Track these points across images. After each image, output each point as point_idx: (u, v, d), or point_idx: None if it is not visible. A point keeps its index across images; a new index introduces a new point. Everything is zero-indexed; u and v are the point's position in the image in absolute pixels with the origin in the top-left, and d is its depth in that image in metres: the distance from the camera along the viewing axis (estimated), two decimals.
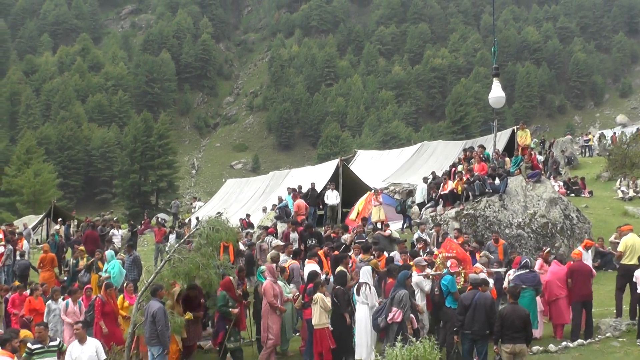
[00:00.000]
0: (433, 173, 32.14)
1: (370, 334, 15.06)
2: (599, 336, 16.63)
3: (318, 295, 15.12)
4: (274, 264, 17.16)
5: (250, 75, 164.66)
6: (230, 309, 15.73)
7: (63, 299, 17.95)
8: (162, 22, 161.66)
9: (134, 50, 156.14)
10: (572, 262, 17.64)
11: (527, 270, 16.56)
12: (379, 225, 25.59)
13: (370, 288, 15.40)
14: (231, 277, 16.46)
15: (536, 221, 23.85)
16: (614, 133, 58.92)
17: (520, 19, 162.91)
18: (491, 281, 16.41)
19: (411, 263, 17.16)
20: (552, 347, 15.80)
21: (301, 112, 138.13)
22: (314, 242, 22.80)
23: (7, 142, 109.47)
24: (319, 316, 15.07)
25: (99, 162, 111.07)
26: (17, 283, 21.44)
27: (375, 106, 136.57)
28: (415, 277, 15.99)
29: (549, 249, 20.28)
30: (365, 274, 15.63)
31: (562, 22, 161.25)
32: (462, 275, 16.13)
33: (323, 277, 17.49)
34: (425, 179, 30.68)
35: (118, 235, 31.18)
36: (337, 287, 15.79)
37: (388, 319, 14.36)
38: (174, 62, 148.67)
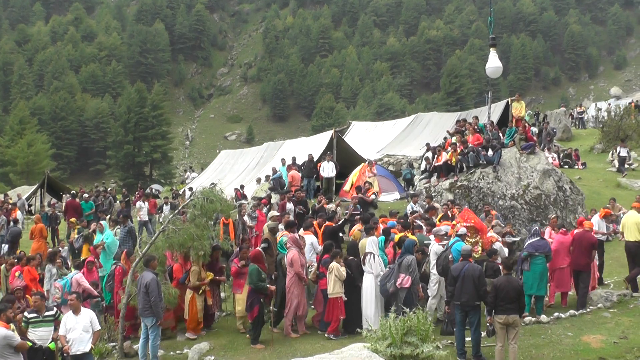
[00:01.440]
0: (427, 144, 32.13)
1: (376, 302, 15.21)
2: (591, 307, 16.75)
3: (334, 265, 15.23)
4: (297, 234, 16.95)
5: (245, 46, 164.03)
6: (267, 285, 15.45)
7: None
8: None
9: (128, 20, 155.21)
10: (577, 231, 17.88)
11: (539, 238, 16.74)
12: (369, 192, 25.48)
13: (374, 258, 15.56)
14: (260, 249, 16.40)
15: (530, 193, 23.92)
16: None
17: None
18: (506, 250, 16.80)
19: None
20: (544, 317, 15.91)
21: (295, 84, 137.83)
22: (300, 210, 22.92)
23: (0, 112, 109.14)
24: (334, 285, 15.20)
25: (93, 132, 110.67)
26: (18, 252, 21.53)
27: (370, 78, 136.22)
28: (435, 247, 16.17)
29: (556, 215, 20.42)
30: (371, 244, 15.81)
31: None
32: (480, 244, 16.44)
33: (320, 248, 17.58)
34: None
35: (145, 207, 30.48)
36: (350, 257, 15.89)
37: (397, 284, 14.53)
38: (168, 33, 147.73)
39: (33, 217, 30.76)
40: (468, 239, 16.37)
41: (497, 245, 16.69)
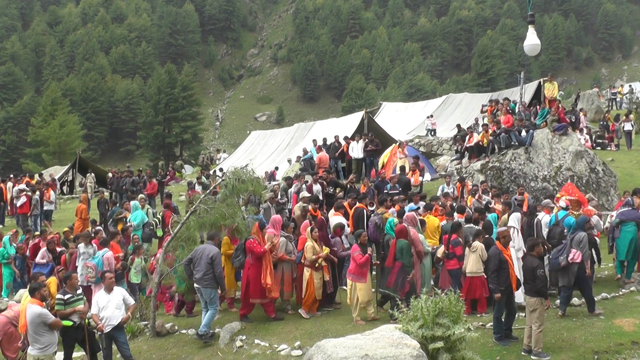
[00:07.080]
0: (458, 126, 31.92)
1: (519, 275, 15.08)
2: (623, 290, 16.60)
3: (478, 244, 15.17)
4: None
5: (275, 27, 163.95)
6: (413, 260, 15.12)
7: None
8: None
9: (157, 2, 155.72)
10: None
11: (630, 208, 17.14)
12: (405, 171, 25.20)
13: (518, 232, 15.93)
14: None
15: (562, 174, 23.72)
16: None
17: None
18: (601, 222, 17.71)
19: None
20: (575, 300, 15.77)
21: (326, 64, 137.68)
22: (331, 190, 22.84)
23: (32, 93, 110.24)
24: (475, 264, 15.13)
25: (123, 113, 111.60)
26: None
27: (401, 58, 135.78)
28: (545, 218, 16.86)
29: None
30: (514, 219, 16.33)
31: None
32: None
33: (348, 229, 17.51)
34: None
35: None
36: (487, 236, 15.90)
37: (569, 259, 14.70)
38: (198, 14, 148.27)
39: (69, 196, 31.04)
40: (572, 211, 17.02)
41: (595, 219, 17.29)
